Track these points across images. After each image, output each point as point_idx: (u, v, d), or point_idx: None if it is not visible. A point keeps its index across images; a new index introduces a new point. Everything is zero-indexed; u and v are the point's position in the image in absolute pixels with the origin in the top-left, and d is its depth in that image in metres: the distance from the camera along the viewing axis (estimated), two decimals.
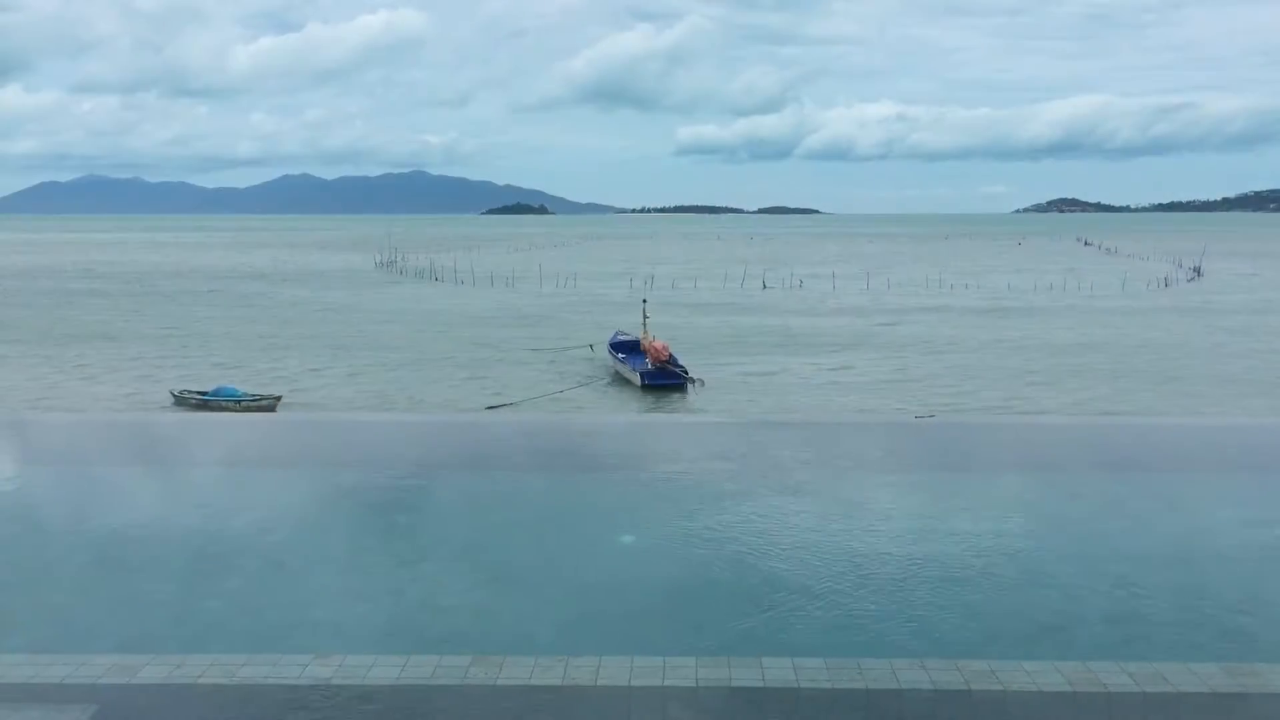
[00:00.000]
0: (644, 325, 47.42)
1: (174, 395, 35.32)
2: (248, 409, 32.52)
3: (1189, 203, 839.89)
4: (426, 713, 6.00)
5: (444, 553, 9.17)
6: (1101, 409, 35.90)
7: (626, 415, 26.61)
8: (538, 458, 12.22)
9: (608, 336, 49.71)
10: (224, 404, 33.27)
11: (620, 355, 45.78)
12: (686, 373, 42.46)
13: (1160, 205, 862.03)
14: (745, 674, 6.21)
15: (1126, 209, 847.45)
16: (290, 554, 8.99)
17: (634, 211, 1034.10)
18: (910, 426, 13.20)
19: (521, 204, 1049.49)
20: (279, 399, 35.09)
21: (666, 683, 6.10)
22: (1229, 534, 9.27)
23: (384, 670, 6.27)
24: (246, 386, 37.54)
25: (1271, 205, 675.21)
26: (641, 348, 44.98)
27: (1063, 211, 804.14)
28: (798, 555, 8.47)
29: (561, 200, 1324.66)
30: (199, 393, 35.19)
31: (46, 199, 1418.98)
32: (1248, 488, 10.74)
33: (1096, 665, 6.17)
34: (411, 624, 7.41)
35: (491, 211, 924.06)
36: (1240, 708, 5.89)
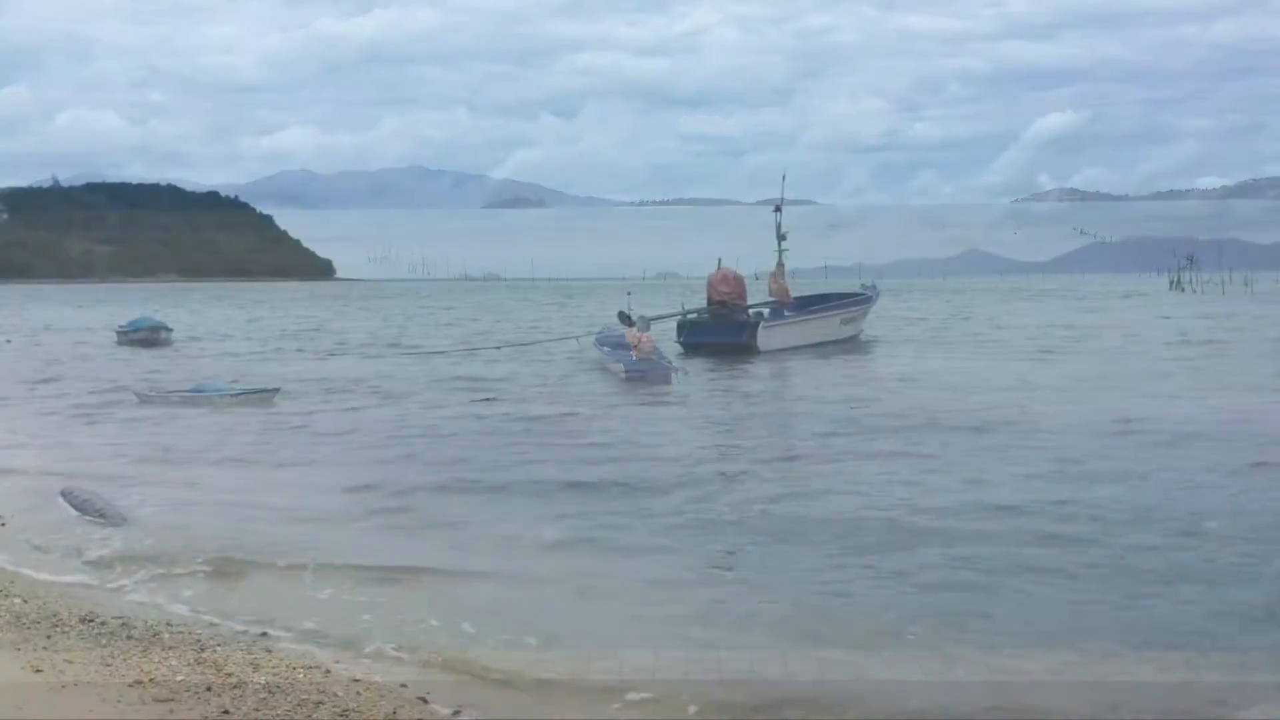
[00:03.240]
0: (629, 317, 47.46)
1: (138, 396, 33.14)
2: (246, 402, 31.61)
3: (1188, 190, 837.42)
4: None
5: None
6: None
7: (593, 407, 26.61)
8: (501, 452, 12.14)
9: (595, 332, 49.73)
10: (215, 400, 31.77)
11: (605, 349, 45.81)
12: (670, 364, 42.55)
13: (1159, 194, 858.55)
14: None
15: (1125, 198, 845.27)
16: None
17: (633, 204, 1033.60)
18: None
19: (520, 198, 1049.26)
20: (277, 390, 34.06)
21: None
22: None
23: None
24: (214, 383, 36.32)
25: (1271, 193, 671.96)
26: (627, 340, 45.04)
27: (1061, 201, 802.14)
28: None
29: (560, 194, 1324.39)
30: (176, 393, 33.53)
31: None
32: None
33: None
34: None
35: (489, 206, 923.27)
36: None
